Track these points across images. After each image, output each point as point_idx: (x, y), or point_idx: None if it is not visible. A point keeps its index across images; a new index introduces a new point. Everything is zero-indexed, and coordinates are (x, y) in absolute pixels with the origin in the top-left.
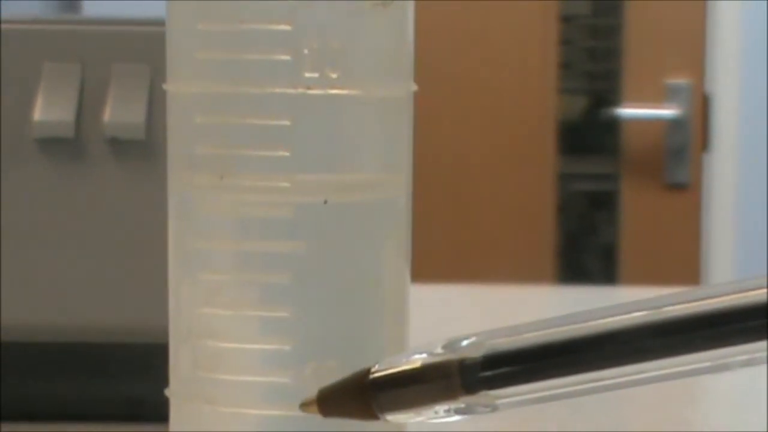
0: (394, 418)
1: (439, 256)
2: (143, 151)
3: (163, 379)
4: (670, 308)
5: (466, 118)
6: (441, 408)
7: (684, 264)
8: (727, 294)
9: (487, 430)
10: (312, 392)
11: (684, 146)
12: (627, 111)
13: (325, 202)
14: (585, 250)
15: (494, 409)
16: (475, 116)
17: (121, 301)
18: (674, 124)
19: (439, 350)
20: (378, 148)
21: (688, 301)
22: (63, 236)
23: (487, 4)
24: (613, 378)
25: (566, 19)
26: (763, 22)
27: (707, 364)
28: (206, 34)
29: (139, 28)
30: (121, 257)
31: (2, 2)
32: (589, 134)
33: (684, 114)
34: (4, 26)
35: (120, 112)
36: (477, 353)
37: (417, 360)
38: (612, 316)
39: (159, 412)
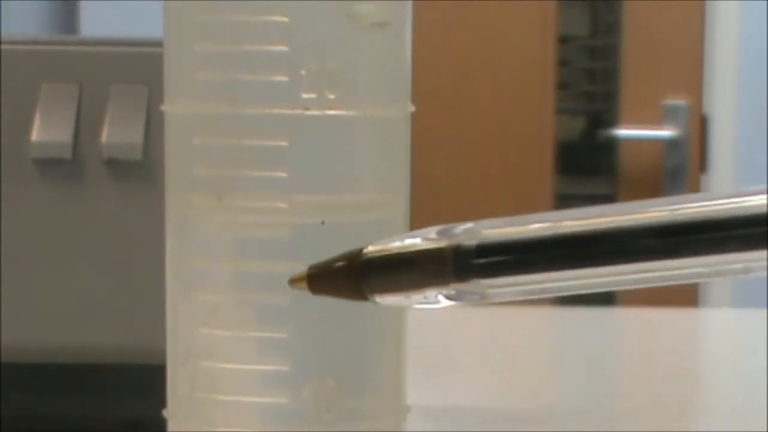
0: (384, 300)
1: None
2: (141, 172)
3: (160, 400)
4: (668, 210)
5: (464, 139)
6: (431, 293)
7: (682, 285)
8: (730, 201)
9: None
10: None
11: (682, 167)
12: (625, 132)
13: (323, 222)
14: None
15: (484, 298)
16: (473, 137)
17: (119, 321)
18: (672, 144)
19: (434, 236)
20: (375, 168)
21: (688, 204)
22: (61, 257)
23: (485, 25)
24: (606, 276)
25: (564, 40)
26: (761, 42)
27: (703, 269)
28: (204, 55)
29: (136, 48)
30: (118, 278)
31: None
32: (587, 155)
33: (682, 135)
34: (1, 47)
35: (118, 133)
36: (471, 241)
37: (411, 244)
38: (614, 215)
39: None
